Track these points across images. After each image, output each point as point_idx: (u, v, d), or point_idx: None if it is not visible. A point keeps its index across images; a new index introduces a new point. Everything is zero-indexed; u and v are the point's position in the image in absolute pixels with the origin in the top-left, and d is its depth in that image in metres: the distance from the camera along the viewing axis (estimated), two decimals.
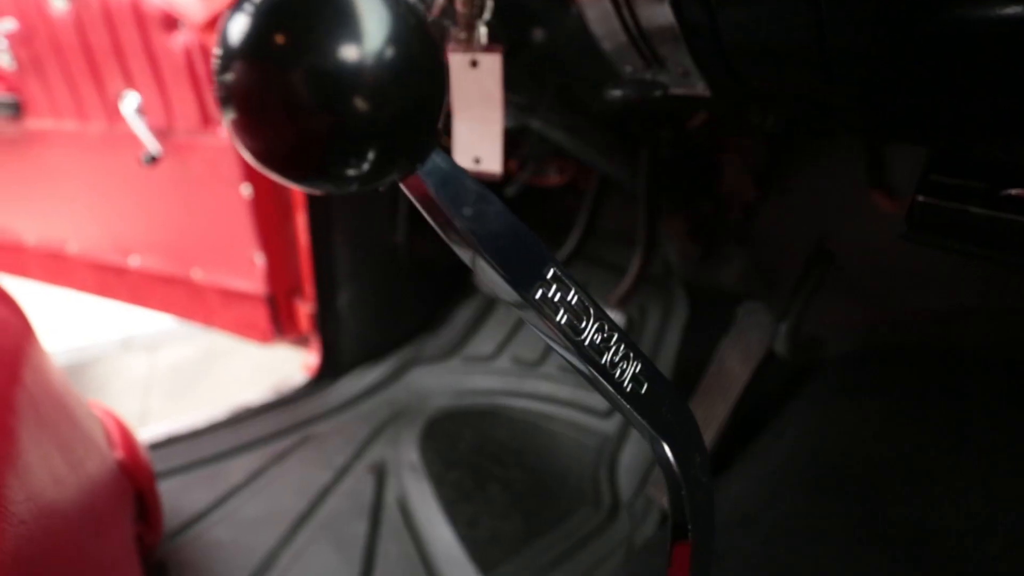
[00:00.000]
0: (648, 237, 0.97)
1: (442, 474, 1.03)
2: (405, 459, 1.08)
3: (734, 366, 0.94)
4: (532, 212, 1.33)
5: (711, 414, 0.95)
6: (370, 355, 1.38)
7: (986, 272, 0.83)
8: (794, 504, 0.77)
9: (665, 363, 1.13)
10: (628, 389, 0.31)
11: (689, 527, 0.39)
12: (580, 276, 1.23)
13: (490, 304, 1.42)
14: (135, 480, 0.83)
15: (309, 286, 1.42)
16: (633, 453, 1.06)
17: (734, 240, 1.14)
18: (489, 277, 0.24)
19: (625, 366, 0.31)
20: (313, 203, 1.30)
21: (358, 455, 1.11)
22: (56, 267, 1.88)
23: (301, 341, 1.68)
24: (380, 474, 1.06)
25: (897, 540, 0.67)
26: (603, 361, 0.29)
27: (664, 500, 0.97)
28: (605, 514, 0.98)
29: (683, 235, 1.17)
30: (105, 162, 1.58)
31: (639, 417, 0.31)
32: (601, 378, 0.29)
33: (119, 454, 0.83)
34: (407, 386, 1.31)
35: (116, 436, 0.86)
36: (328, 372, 1.38)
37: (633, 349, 0.31)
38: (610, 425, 1.11)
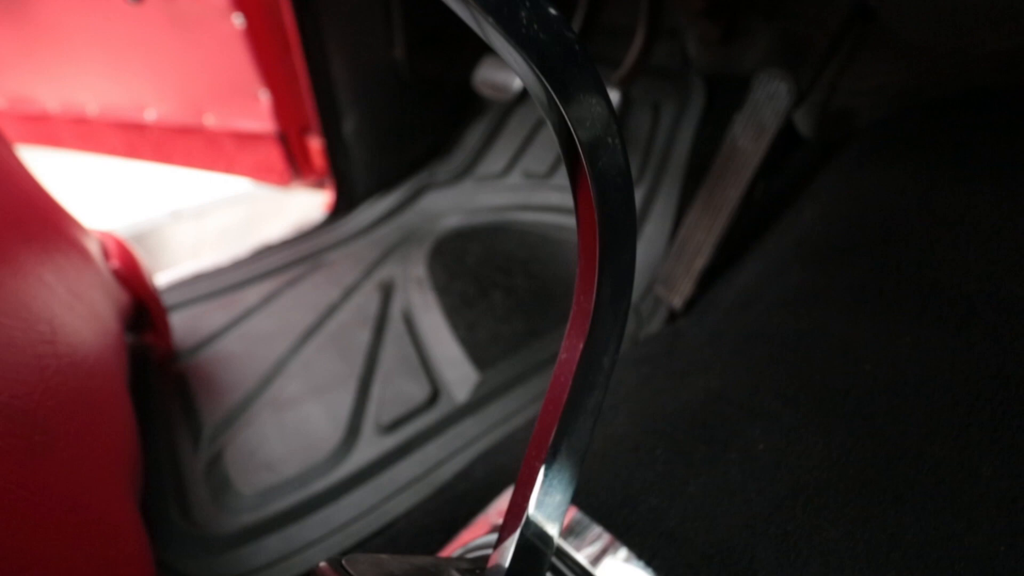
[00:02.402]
0: (651, 4, 0.84)
1: (447, 285, 1.01)
2: (412, 275, 1.06)
3: (747, 144, 0.84)
4: None
5: (723, 200, 0.86)
6: (383, 184, 1.35)
7: None
8: (802, 277, 0.70)
9: (679, 158, 1.03)
10: None
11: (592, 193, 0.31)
12: None
13: (501, 121, 1.33)
14: (132, 288, 0.85)
15: (314, 116, 1.37)
16: (641, 257, 1.00)
17: (760, 15, 0.99)
18: None
19: None
20: (303, 18, 1.22)
21: (367, 275, 1.11)
22: (83, 132, 1.90)
23: (319, 184, 1.66)
24: (387, 290, 1.05)
25: (908, 297, 0.60)
26: None
27: (672, 297, 0.92)
28: None
29: (701, 14, 1.02)
30: (100, 9, 1.53)
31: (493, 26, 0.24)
32: None
33: (114, 264, 0.84)
34: (419, 211, 1.28)
35: (113, 250, 0.87)
36: (343, 205, 1.36)
37: None
38: None
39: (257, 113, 1.48)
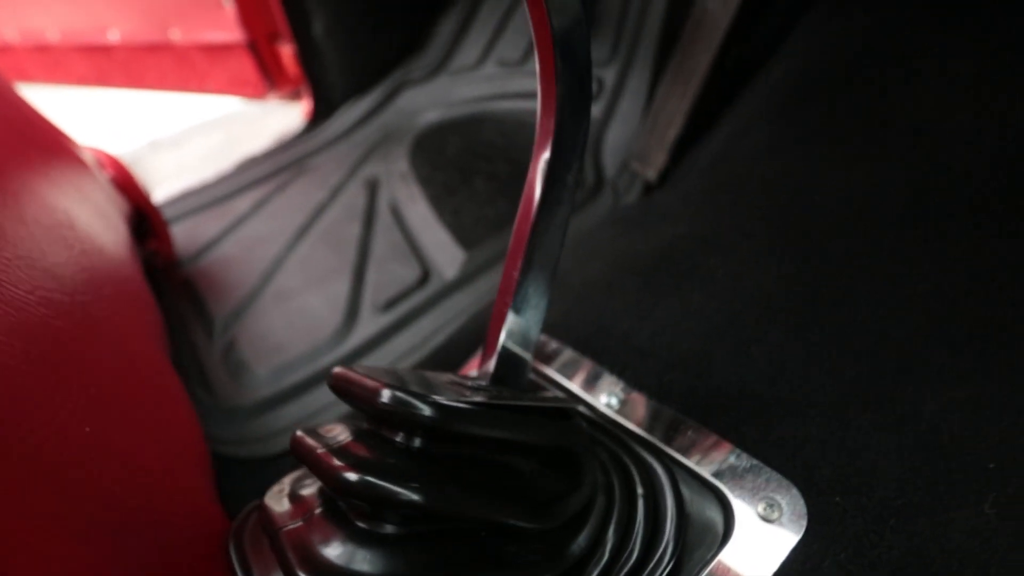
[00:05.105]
0: None
1: (430, 176, 1.04)
2: (396, 170, 1.09)
3: (716, 7, 0.85)
4: None
5: (694, 66, 0.88)
6: (359, 87, 1.35)
7: None
8: (769, 131, 0.74)
9: (652, 29, 1.04)
10: None
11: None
12: None
13: (473, 9, 1.32)
14: (129, 195, 0.88)
15: (283, 20, 1.35)
16: (617, 135, 1.02)
17: None
18: None
19: None
20: None
21: (352, 174, 1.14)
22: (49, 62, 1.86)
23: (296, 95, 1.65)
24: (373, 186, 1.09)
25: (861, 135, 0.64)
26: None
27: (647, 170, 0.96)
28: (588, 192, 0.98)
29: None
30: None
31: None
32: None
33: (109, 173, 0.87)
34: (397, 109, 1.29)
35: (106, 162, 0.89)
36: (321, 111, 1.37)
37: None
38: (595, 109, 1.07)
39: (223, 22, 1.45)
